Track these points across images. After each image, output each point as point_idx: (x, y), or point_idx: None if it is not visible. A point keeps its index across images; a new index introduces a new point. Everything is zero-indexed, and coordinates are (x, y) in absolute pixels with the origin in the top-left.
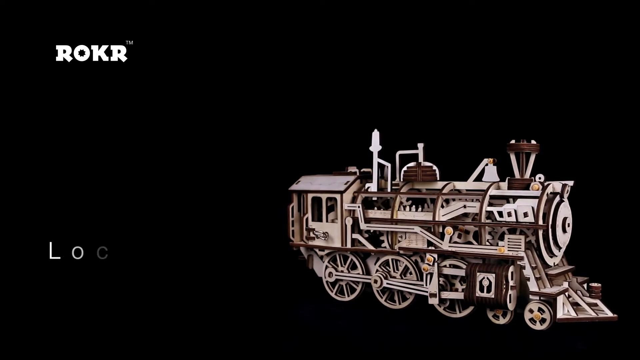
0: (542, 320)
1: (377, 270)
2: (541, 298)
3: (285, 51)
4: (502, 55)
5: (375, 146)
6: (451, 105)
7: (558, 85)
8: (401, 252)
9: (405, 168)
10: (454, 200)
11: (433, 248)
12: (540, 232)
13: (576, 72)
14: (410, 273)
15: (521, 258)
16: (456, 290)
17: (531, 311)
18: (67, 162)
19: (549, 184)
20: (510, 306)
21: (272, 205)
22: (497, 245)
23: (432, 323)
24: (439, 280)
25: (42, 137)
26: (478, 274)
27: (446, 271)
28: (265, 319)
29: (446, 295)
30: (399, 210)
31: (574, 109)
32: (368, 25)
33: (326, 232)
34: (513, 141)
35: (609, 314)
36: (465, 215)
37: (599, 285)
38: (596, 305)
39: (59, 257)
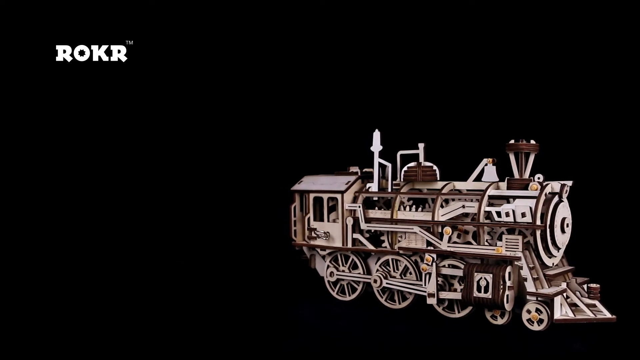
0: (540, 321)
1: (377, 270)
2: (538, 298)
3: (289, 52)
4: (504, 55)
5: (376, 146)
6: (453, 105)
7: (559, 85)
8: (401, 252)
9: (405, 168)
10: (453, 200)
11: (432, 248)
12: (538, 233)
13: (578, 72)
14: (410, 273)
15: (518, 258)
16: (455, 290)
17: (529, 312)
18: (68, 162)
19: (547, 184)
20: (507, 307)
21: (276, 205)
22: (497, 245)
23: (432, 323)
24: (437, 280)
25: (42, 137)
26: (475, 274)
27: (445, 271)
28: (265, 319)
29: (444, 295)
30: (399, 210)
31: (575, 109)
32: (371, 27)
33: (327, 232)
34: (512, 141)
35: (608, 315)
36: (465, 215)
37: (598, 286)
38: (595, 306)
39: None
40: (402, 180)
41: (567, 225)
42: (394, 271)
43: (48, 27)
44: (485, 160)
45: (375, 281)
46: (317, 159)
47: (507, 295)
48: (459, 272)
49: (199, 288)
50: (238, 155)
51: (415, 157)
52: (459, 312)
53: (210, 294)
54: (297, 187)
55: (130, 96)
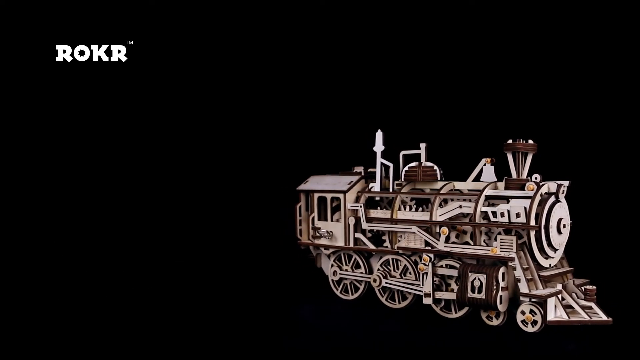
0: (534, 322)
1: (377, 270)
2: (532, 300)
3: (291, 52)
4: (508, 53)
5: (379, 146)
6: (458, 105)
7: (561, 85)
8: (400, 251)
9: (406, 168)
10: (452, 200)
11: (430, 248)
12: (533, 233)
13: (583, 70)
14: (410, 273)
15: (512, 259)
16: (452, 290)
17: (523, 313)
18: (68, 162)
19: (544, 184)
20: (501, 307)
21: (284, 205)
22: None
23: (430, 323)
24: (433, 280)
25: (42, 137)
26: (470, 274)
27: (441, 271)
28: (266, 318)
29: (440, 295)
30: (399, 210)
31: (577, 109)
32: (373, 29)
33: (330, 231)
34: (510, 141)
35: (603, 317)
36: (464, 215)
37: (594, 287)
38: (590, 308)
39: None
40: (403, 180)
41: (564, 226)
42: (394, 271)
43: (48, 27)
44: (483, 161)
45: (374, 280)
46: (326, 159)
47: (501, 296)
48: (456, 272)
49: (202, 287)
50: (248, 156)
51: (417, 158)
52: (456, 313)
53: (213, 293)
54: (302, 186)
55: (131, 96)
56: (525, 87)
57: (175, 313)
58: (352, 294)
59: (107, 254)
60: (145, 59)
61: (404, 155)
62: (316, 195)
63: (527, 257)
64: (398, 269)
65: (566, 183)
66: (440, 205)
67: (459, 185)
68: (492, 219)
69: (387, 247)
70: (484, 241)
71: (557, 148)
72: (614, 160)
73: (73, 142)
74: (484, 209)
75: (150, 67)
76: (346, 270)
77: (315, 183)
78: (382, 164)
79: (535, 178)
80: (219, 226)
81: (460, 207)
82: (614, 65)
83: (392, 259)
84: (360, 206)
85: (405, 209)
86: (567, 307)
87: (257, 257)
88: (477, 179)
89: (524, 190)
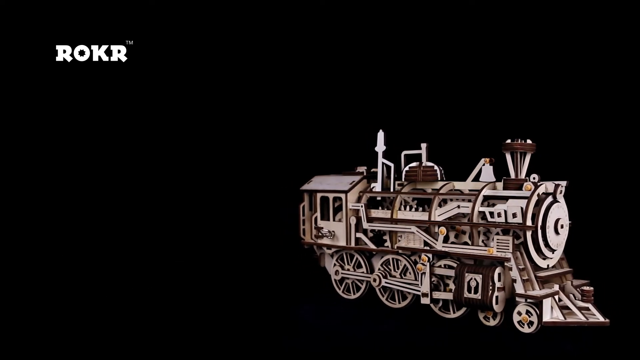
0: (530, 323)
1: (378, 269)
2: (527, 300)
3: (296, 54)
4: (509, 53)
5: (380, 146)
6: (459, 105)
7: (563, 85)
8: (400, 251)
9: (407, 168)
10: (451, 200)
11: (428, 248)
12: (529, 233)
13: (583, 70)
14: (409, 273)
15: (508, 259)
16: (450, 290)
17: (519, 313)
18: (68, 162)
19: (541, 184)
20: (497, 308)
21: (288, 204)
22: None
23: (430, 323)
24: (431, 280)
25: (42, 137)
26: (466, 274)
27: (440, 271)
28: (267, 318)
29: (437, 295)
30: (399, 210)
31: (580, 109)
32: (375, 29)
33: (333, 231)
34: (509, 141)
35: (600, 318)
36: (463, 215)
37: (591, 289)
38: (587, 309)
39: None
40: (404, 180)
41: (562, 227)
42: (394, 270)
43: (48, 27)
44: (482, 161)
45: (374, 280)
46: (332, 160)
47: (497, 297)
48: (454, 273)
49: (203, 286)
50: (254, 156)
51: (419, 158)
52: (454, 313)
53: (213, 292)
54: (305, 186)
55: (131, 96)
56: (528, 87)
57: (176, 312)
58: (354, 294)
59: (107, 254)
60: (145, 59)
61: (405, 155)
62: (319, 195)
63: (524, 257)
64: (398, 268)
65: (564, 183)
66: (440, 205)
67: (458, 185)
68: (489, 219)
69: (387, 246)
70: (482, 241)
71: (559, 148)
72: (615, 160)
73: (73, 142)
74: (481, 209)
75: (150, 67)
76: (348, 269)
77: (319, 183)
78: (383, 164)
79: (534, 178)
80: (221, 226)
81: (459, 207)
82: (614, 65)
83: (393, 258)
84: (362, 206)
85: (406, 209)
86: (564, 308)
87: (259, 257)
88: (477, 179)
89: (522, 190)
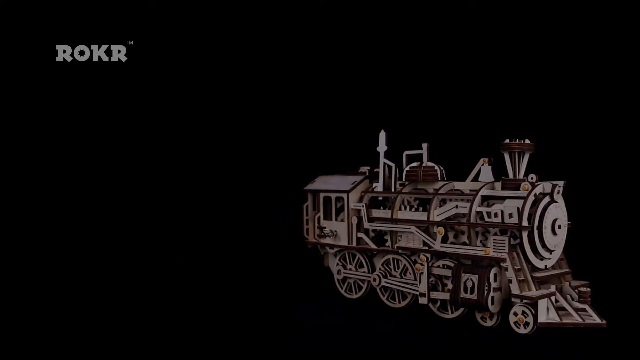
0: (526, 324)
1: (378, 269)
2: (523, 301)
3: (297, 54)
4: (509, 53)
5: (382, 146)
6: (461, 105)
7: (563, 85)
8: (400, 251)
9: (407, 168)
10: (450, 200)
11: (427, 248)
12: (525, 234)
13: (583, 70)
14: (409, 273)
15: (504, 260)
16: (448, 290)
17: (515, 314)
18: (68, 162)
19: (538, 184)
20: (492, 308)
21: (290, 204)
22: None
23: (429, 323)
24: (429, 280)
25: (42, 137)
26: (462, 274)
27: (438, 271)
28: (267, 318)
29: (435, 295)
30: (399, 210)
31: (579, 109)
32: (376, 30)
33: (335, 231)
34: (507, 141)
35: (597, 319)
36: (462, 215)
37: (588, 290)
38: (585, 310)
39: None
40: (404, 180)
41: (560, 227)
42: (395, 270)
43: (48, 27)
44: (481, 161)
45: (374, 280)
46: (336, 160)
47: (492, 297)
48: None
49: (203, 286)
50: (259, 157)
51: (420, 157)
52: (452, 313)
53: (214, 292)
54: (309, 186)
55: (131, 96)
56: (528, 87)
57: (176, 312)
58: (356, 293)
59: (108, 254)
60: (145, 59)
61: (407, 155)
62: (322, 195)
63: (520, 258)
64: (398, 268)
65: (561, 183)
66: (439, 205)
67: (458, 185)
68: (486, 219)
69: (388, 246)
70: (481, 241)
71: (559, 148)
72: (614, 160)
73: (73, 142)
74: (479, 209)
75: (150, 67)
76: (350, 269)
77: (322, 183)
78: (385, 164)
79: (531, 178)
80: (224, 226)
81: (457, 207)
82: (614, 65)
83: (393, 258)
84: (363, 206)
85: (407, 209)
86: (561, 309)
87: (259, 257)
88: (476, 179)
89: (519, 190)
